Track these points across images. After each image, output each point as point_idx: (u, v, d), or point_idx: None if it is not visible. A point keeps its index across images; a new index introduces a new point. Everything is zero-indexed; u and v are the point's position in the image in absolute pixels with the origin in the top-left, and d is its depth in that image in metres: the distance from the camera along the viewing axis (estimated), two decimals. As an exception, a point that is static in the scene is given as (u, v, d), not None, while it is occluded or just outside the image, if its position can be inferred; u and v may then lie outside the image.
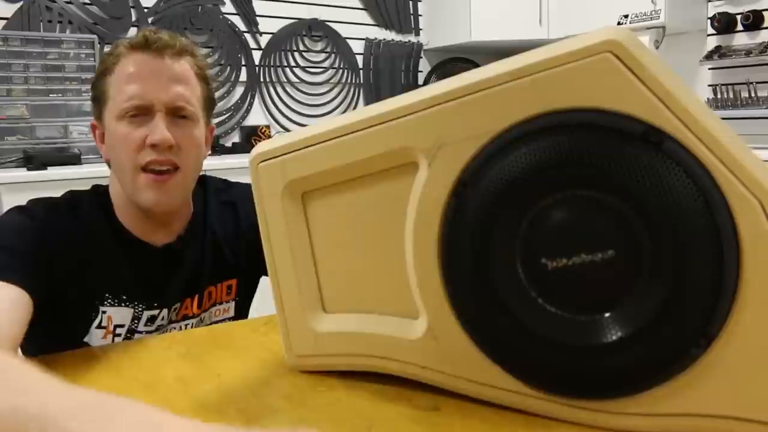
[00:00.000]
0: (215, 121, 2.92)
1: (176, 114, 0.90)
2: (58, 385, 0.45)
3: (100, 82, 0.92)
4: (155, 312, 0.93)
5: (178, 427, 0.41)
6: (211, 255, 0.99)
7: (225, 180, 1.10)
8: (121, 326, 0.91)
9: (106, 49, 1.32)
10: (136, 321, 0.91)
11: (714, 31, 2.82)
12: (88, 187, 0.98)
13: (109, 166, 0.96)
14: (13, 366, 0.49)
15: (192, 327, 0.97)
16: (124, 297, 0.90)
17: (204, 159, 0.99)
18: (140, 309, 0.92)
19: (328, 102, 3.26)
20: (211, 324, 0.99)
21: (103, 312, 0.89)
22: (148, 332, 0.92)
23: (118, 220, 0.94)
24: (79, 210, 0.91)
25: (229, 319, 1.02)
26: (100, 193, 0.96)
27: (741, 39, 2.77)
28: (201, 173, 1.07)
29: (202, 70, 0.95)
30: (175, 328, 0.96)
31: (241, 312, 1.05)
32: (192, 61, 0.93)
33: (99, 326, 0.89)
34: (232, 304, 1.03)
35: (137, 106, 0.87)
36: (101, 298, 0.89)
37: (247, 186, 1.10)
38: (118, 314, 0.90)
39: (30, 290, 0.75)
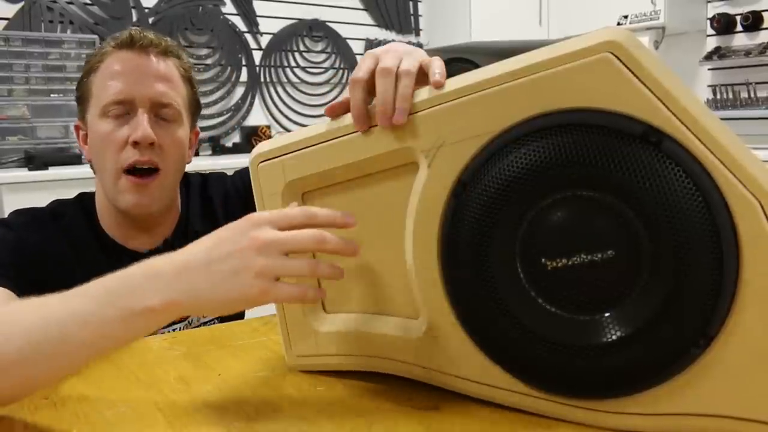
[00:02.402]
0: (215, 121, 2.92)
1: (160, 112, 0.89)
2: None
3: (84, 81, 0.92)
4: None
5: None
6: None
7: (201, 174, 1.09)
8: None
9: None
10: None
11: (713, 32, 2.82)
12: (88, 188, 0.98)
13: (93, 168, 0.96)
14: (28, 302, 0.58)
15: (180, 330, 0.96)
16: None
17: (188, 162, 0.97)
18: None
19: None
20: (199, 326, 0.99)
21: None
22: None
23: (101, 228, 0.93)
24: (62, 219, 0.91)
25: (217, 319, 1.02)
26: (84, 200, 0.96)
27: (740, 39, 2.78)
28: (195, 174, 1.06)
29: (187, 72, 0.94)
30: (161, 333, 0.95)
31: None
32: (177, 63, 0.93)
33: None
34: None
35: (119, 102, 0.87)
36: None
37: (220, 177, 1.10)
38: None
39: (16, 293, 0.75)
